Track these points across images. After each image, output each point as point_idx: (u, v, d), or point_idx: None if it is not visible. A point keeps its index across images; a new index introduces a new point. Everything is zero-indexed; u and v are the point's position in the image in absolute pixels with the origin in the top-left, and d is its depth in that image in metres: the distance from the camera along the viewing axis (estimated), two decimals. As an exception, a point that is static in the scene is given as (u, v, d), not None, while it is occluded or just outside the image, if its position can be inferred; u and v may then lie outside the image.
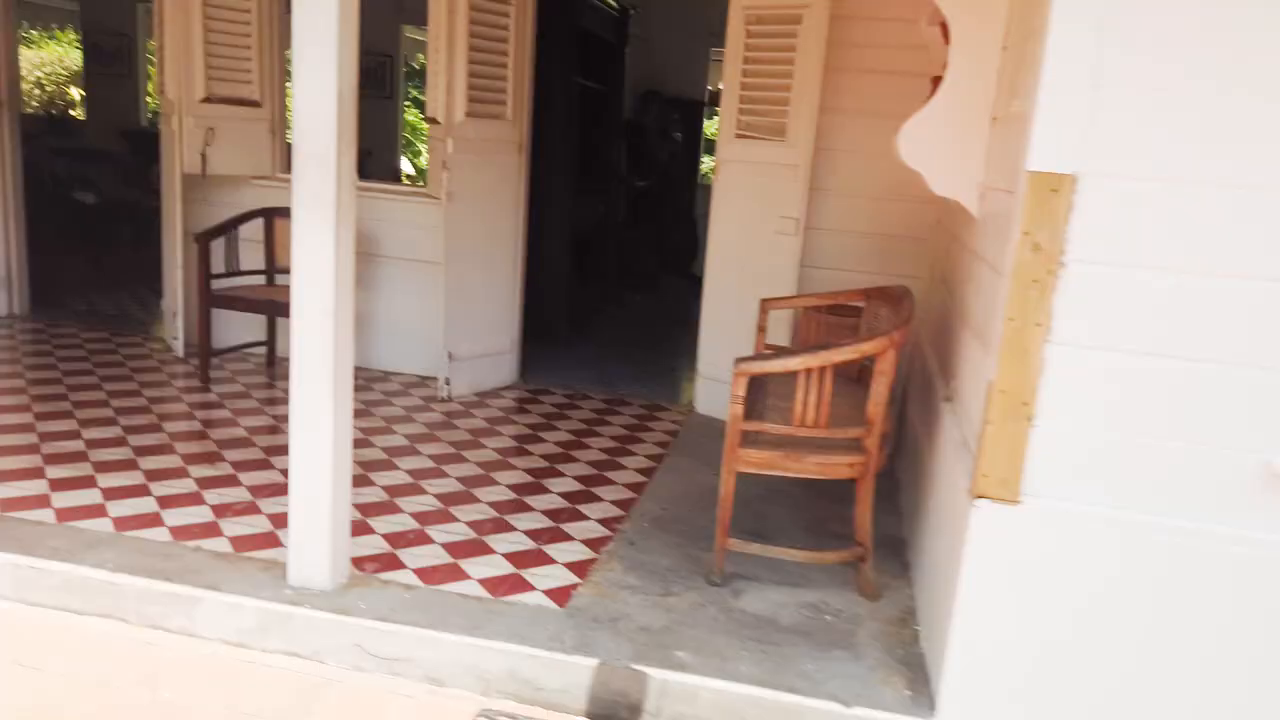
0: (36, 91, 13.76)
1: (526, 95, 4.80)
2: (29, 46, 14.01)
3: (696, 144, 9.58)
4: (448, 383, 4.73)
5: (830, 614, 2.86)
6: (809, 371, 2.88)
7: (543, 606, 2.77)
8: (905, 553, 3.36)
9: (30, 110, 12.93)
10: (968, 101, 2.99)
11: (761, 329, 3.99)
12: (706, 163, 9.42)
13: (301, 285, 2.63)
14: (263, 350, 5.04)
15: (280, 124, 5.10)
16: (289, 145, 5.62)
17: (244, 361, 5.05)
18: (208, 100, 4.73)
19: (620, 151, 7.01)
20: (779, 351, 3.87)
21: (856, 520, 3.02)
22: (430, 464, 3.86)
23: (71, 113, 12.85)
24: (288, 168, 5.46)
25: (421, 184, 5.85)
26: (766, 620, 2.79)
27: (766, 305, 3.97)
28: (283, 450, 3.30)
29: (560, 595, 2.84)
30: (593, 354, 6.02)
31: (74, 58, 12.60)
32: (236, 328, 5.01)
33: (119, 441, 3.78)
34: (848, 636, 2.73)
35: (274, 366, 4.99)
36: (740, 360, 2.94)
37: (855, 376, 3.77)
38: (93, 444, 3.73)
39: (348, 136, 2.60)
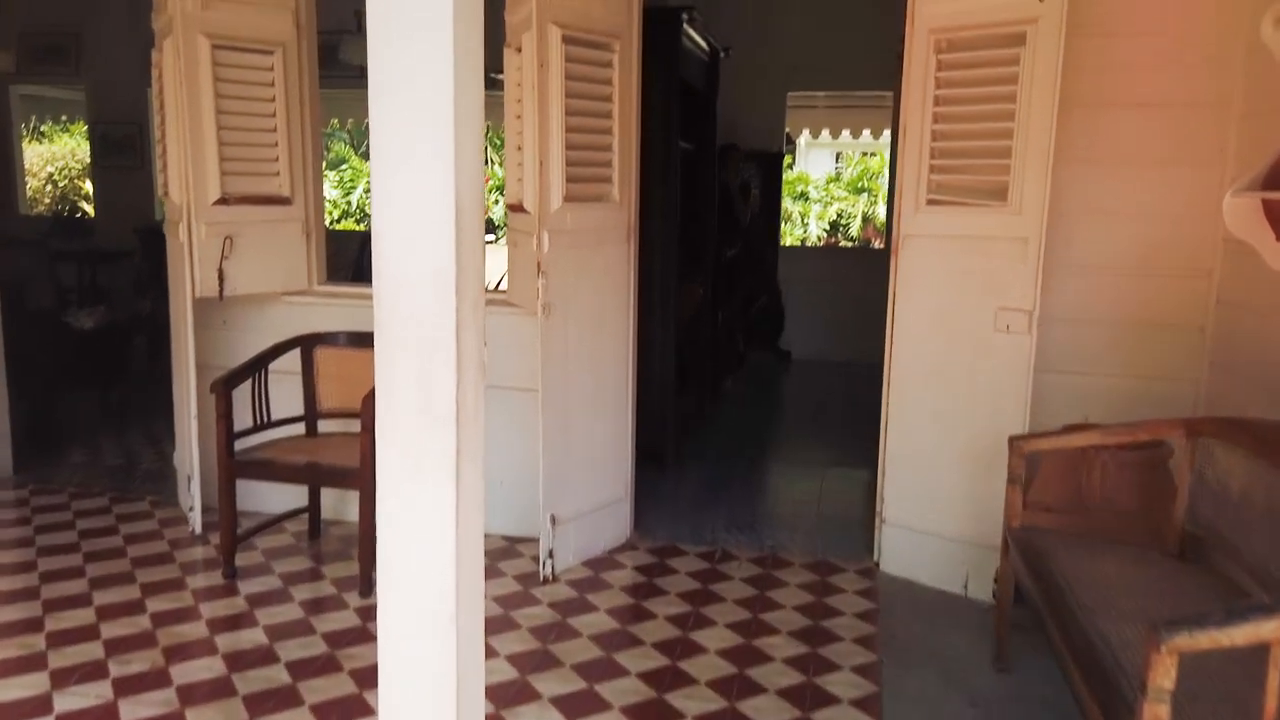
0: (49, 188, 13.00)
1: (634, 167, 3.66)
2: (40, 141, 13.29)
3: (776, 202, 8.44)
4: (551, 556, 3.52)
5: None
6: None
7: None
8: None
9: (40, 210, 12.14)
10: None
11: (1016, 482, 2.76)
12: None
13: (393, 570, 1.47)
14: (304, 519, 3.86)
15: (317, 223, 3.99)
16: (331, 250, 4.63)
17: (280, 534, 3.87)
18: (224, 201, 3.63)
19: (714, 221, 5.90)
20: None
21: None
22: (555, 714, 2.64)
23: (85, 208, 12.02)
24: (329, 277, 4.23)
25: (500, 282, 4.69)
26: None
27: (1021, 446, 2.75)
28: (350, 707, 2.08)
29: None
30: (710, 479, 4.81)
31: (85, 150, 11.84)
32: (270, 489, 3.84)
33: (107, 714, 2.60)
34: None
35: (319, 540, 3.81)
36: (1168, 630, 1.65)
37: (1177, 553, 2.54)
38: None
39: (471, 271, 1.46)
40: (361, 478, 3.16)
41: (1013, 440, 2.75)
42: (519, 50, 3.29)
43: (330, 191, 13.84)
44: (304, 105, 3.84)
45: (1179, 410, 3.25)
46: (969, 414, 3.32)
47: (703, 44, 5.19)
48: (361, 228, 11.12)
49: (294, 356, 3.70)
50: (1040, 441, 2.79)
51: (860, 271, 8.25)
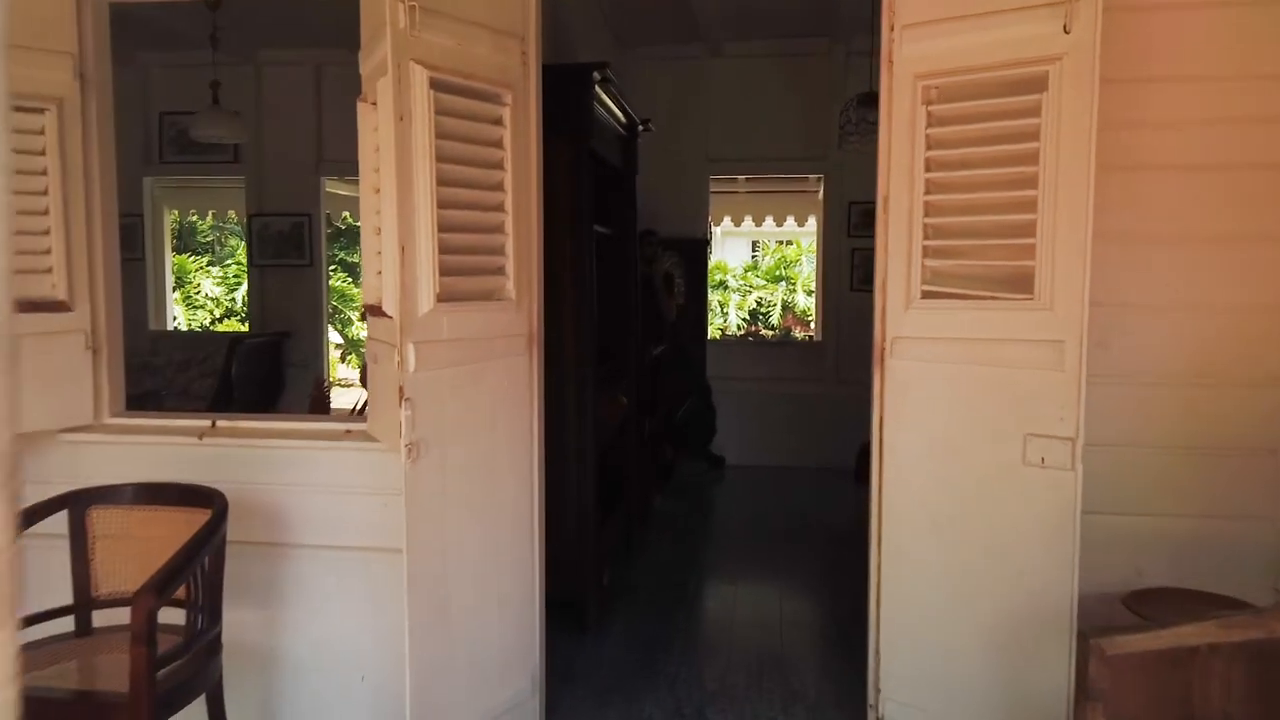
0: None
1: (535, 254, 2.79)
2: None
3: (702, 293, 7.70)
4: (429, 795, 2.49)
5: None
6: None
7: None
8: None
9: None
10: None
11: (1097, 699, 1.89)
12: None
13: None
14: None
15: (111, 336, 2.98)
16: (198, 355, 3.55)
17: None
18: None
19: (637, 317, 5.08)
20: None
21: None
22: None
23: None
24: (126, 408, 2.86)
25: (358, 415, 3.72)
26: None
27: (1102, 648, 1.88)
28: None
29: None
30: (643, 641, 3.83)
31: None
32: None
33: None
34: None
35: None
36: None
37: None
38: None
39: None
40: (133, 713, 2.12)
41: (1090, 640, 1.89)
42: (374, 104, 2.42)
43: (212, 288, 12.64)
44: (91, 182, 2.88)
45: (1257, 559, 2.47)
46: (992, 576, 2.47)
47: (619, 113, 4.43)
48: (245, 327, 10.01)
49: (61, 522, 2.64)
50: (1129, 640, 1.93)
51: (790, 365, 7.57)
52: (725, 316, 15.10)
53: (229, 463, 2.84)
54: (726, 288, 15.48)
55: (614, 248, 4.78)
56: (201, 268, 12.81)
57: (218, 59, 5.77)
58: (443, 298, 2.41)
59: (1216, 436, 2.54)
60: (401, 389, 2.32)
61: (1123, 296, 2.54)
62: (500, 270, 2.63)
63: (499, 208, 2.61)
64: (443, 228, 2.40)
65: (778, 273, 16.12)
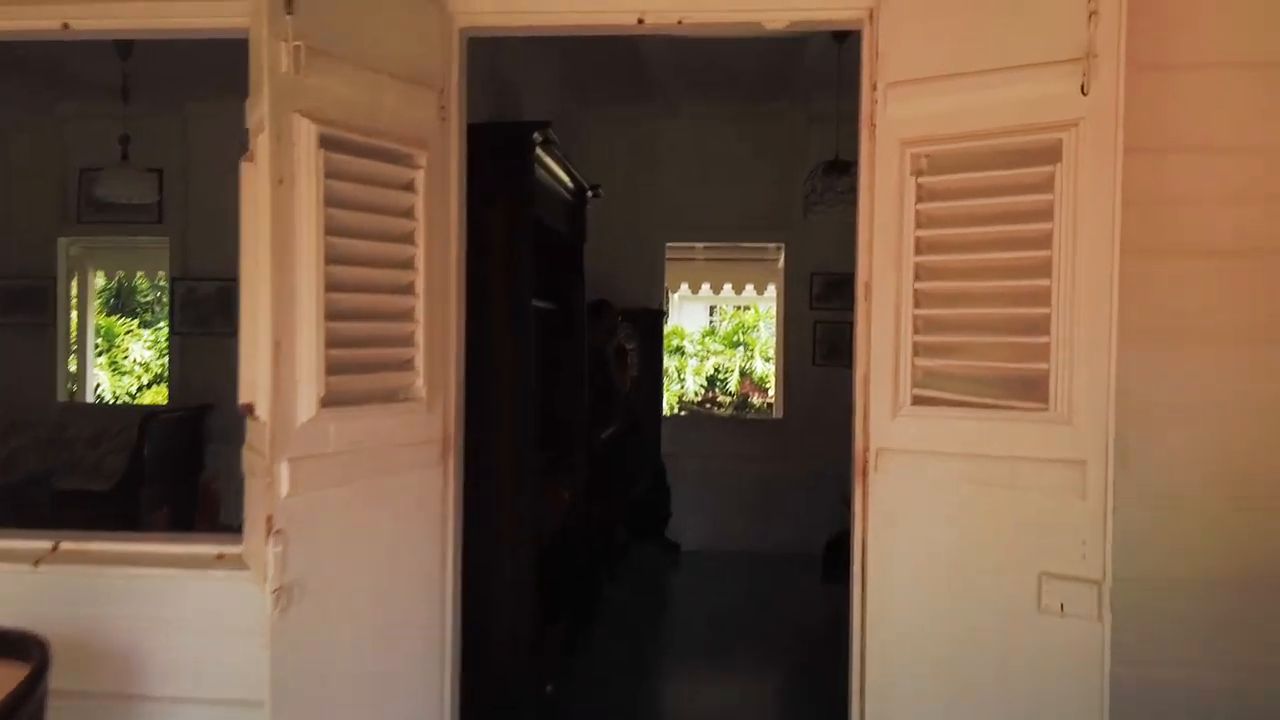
0: None
1: (454, 343, 2.35)
2: None
3: (658, 367, 7.29)
4: None
5: None
6: None
7: None
8: None
9: None
10: None
11: None
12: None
13: None
14: None
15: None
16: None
17: None
18: None
19: (585, 397, 4.63)
20: None
21: None
22: None
23: None
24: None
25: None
26: None
27: None
28: None
29: None
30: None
31: None
32: None
33: None
34: None
35: None
36: None
37: None
38: None
39: None
40: None
41: None
42: (254, 161, 1.98)
43: (143, 353, 11.96)
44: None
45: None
46: (1003, 743, 2.02)
47: (564, 177, 4.04)
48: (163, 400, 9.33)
49: None
50: None
51: (750, 443, 7.18)
52: (682, 383, 14.88)
53: (74, 594, 2.32)
54: (684, 353, 15.29)
55: (560, 322, 4.35)
56: (130, 330, 12.14)
57: (138, 111, 5.34)
58: (329, 401, 1.95)
59: (1261, 567, 2.14)
60: (270, 519, 1.84)
61: (1142, 402, 2.15)
62: (407, 364, 2.17)
63: (408, 289, 2.16)
64: (332, 315, 1.95)
65: (735, 338, 16.05)
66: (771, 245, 7.46)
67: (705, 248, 8.50)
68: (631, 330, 6.67)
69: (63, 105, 6.56)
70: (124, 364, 11.94)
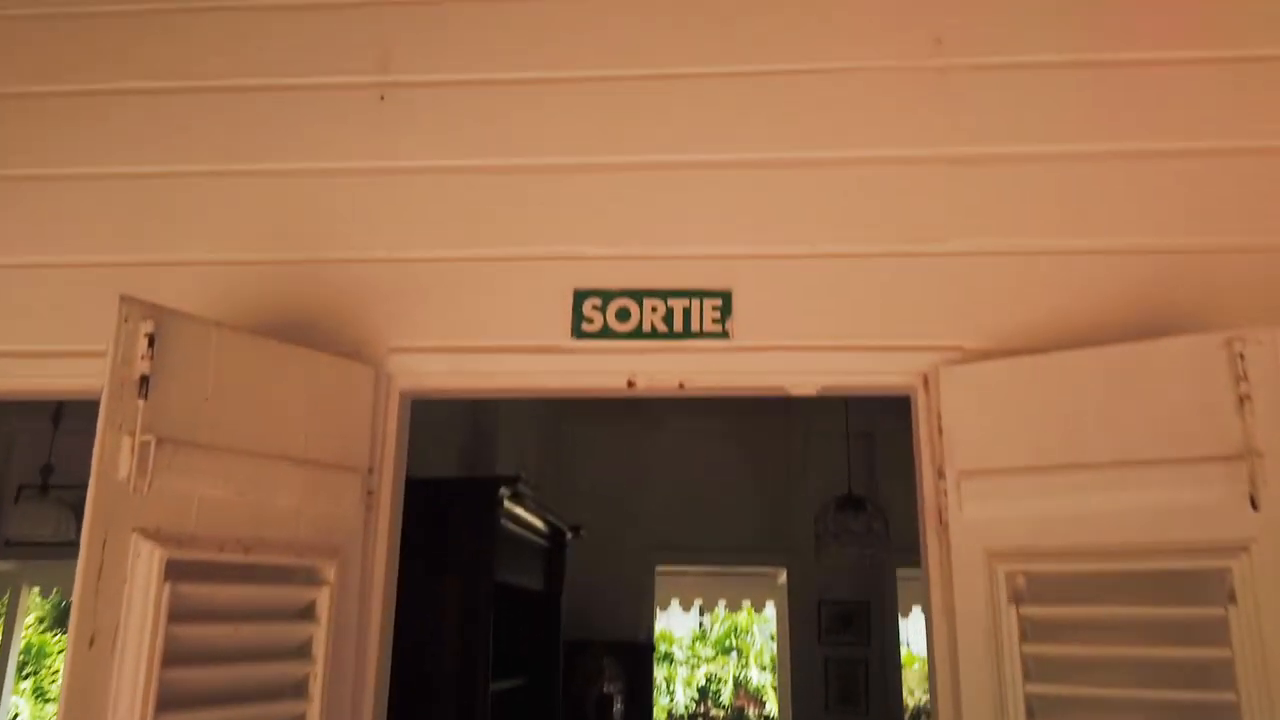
0: None
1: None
2: None
3: (647, 709, 6.33)
4: None
5: None
6: None
7: None
8: None
9: None
10: None
11: None
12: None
13: None
14: None
15: None
16: None
17: None
18: None
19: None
20: None
21: None
22: None
23: None
24: None
25: None
26: None
27: None
28: None
29: None
30: None
31: None
32: None
33: None
34: None
35: None
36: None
37: None
38: None
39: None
40: None
41: None
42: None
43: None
44: None
45: None
46: None
47: (539, 525, 3.45)
48: None
49: None
50: None
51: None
52: (672, 696, 13.82)
53: None
54: (673, 660, 14.27)
55: (530, 685, 3.58)
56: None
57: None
58: None
59: None
60: None
61: None
62: None
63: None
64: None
65: (728, 642, 15.15)
66: (770, 569, 6.81)
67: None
68: (616, 670, 5.83)
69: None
70: (51, 689, 10.58)
